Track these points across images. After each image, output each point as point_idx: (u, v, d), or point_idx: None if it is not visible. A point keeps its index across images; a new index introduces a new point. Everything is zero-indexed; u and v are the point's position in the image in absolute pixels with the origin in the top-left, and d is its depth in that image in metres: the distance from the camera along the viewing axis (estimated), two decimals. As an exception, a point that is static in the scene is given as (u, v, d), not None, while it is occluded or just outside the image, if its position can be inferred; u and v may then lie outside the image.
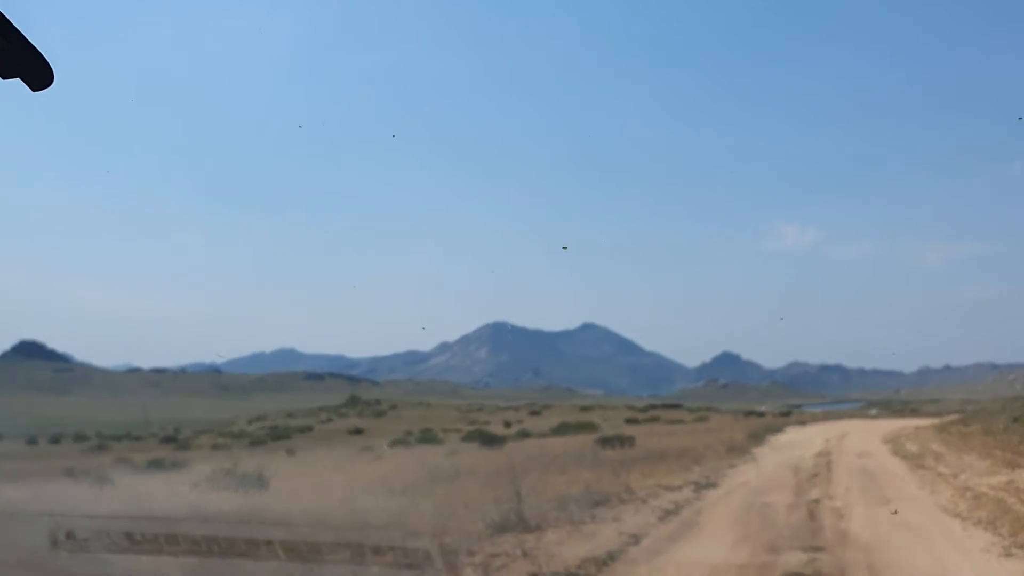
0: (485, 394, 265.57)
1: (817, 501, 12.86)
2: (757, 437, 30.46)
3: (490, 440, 33.83)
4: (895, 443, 26.71)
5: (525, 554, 8.49)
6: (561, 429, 43.15)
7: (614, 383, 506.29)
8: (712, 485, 14.96)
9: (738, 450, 24.02)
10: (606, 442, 26.70)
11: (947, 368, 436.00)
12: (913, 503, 12.24)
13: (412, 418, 74.28)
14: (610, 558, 8.31)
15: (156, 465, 23.69)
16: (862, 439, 29.99)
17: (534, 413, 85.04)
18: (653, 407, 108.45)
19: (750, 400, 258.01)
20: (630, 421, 58.18)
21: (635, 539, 9.40)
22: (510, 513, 10.10)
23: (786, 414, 67.30)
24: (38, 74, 1.68)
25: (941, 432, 32.05)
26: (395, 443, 35.71)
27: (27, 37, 1.61)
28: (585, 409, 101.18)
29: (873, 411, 76.97)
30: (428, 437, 39.94)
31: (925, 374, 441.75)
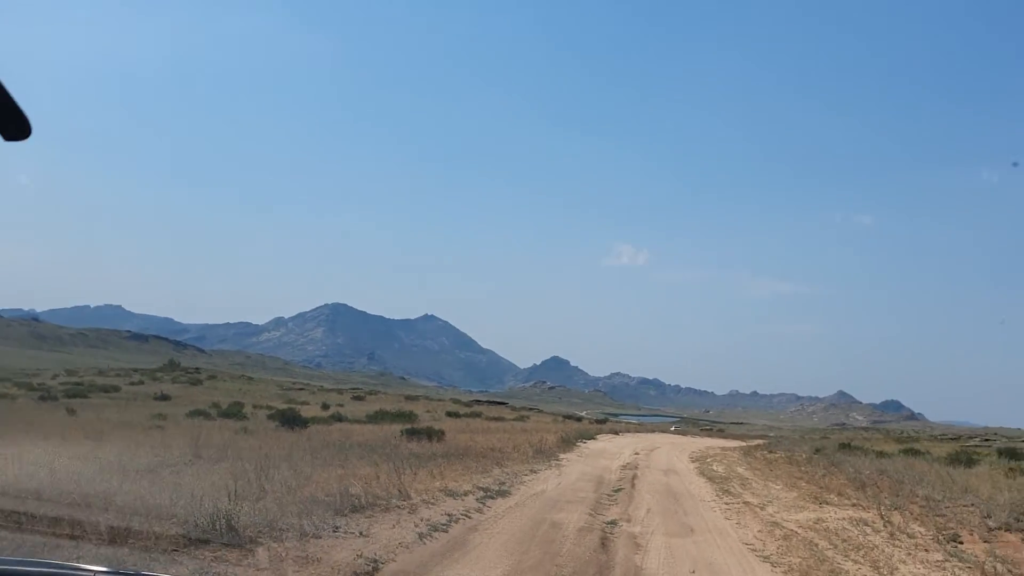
0: (315, 374, 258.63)
1: (614, 524, 11.08)
2: (568, 442, 29.21)
3: (291, 421, 30.90)
4: (702, 463, 26.15)
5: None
6: (377, 417, 41.15)
7: (448, 376, 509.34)
8: (504, 493, 12.90)
9: (545, 454, 22.43)
10: (413, 434, 24.56)
11: (754, 394, 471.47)
12: (718, 537, 10.69)
13: (228, 390, 70.41)
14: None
15: None
16: (670, 455, 29.44)
17: (357, 398, 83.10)
18: (478, 402, 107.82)
19: (573, 404, 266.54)
20: (451, 414, 56.98)
21: (372, 567, 7.03)
22: (219, 519, 7.46)
23: (602, 421, 67.88)
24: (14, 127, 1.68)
25: (747, 456, 32.20)
26: (194, 414, 32.34)
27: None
28: (411, 399, 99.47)
29: (672, 427, 79.75)
30: (232, 412, 36.57)
31: (734, 397, 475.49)
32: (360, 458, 15.59)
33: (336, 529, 8.41)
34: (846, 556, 9.43)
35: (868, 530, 11.49)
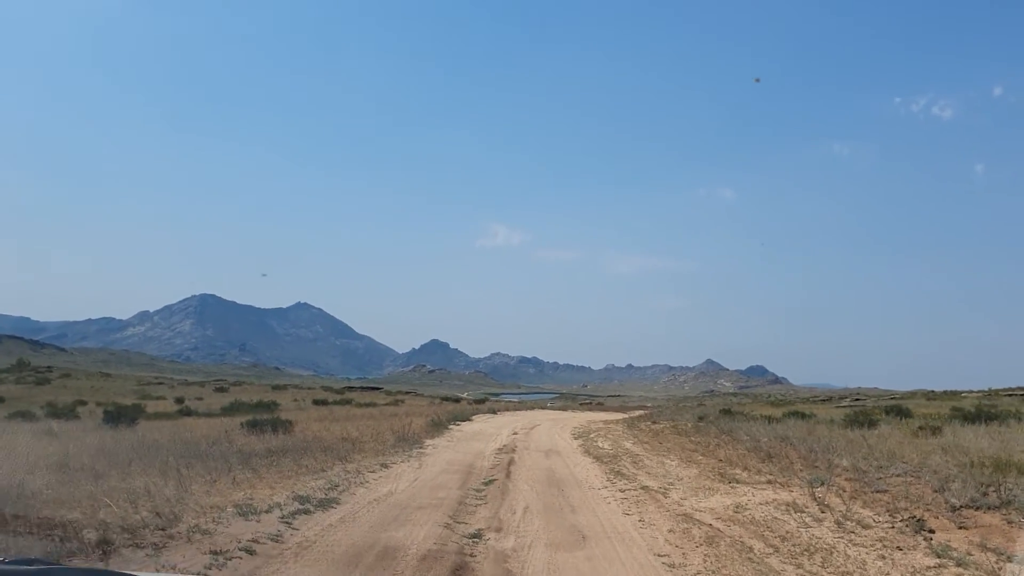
0: (184, 368, 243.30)
1: (478, 537, 7.92)
2: (439, 426, 26.00)
3: (117, 418, 26.39)
4: (586, 439, 23.58)
5: None
6: (231, 409, 37.04)
7: (325, 364, 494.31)
8: (329, 504, 9.43)
9: (408, 441, 19.10)
10: (256, 426, 20.82)
11: (629, 367, 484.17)
12: (620, 545, 7.72)
13: (79, 388, 65.36)
14: None
15: None
16: (551, 433, 26.79)
17: (220, 390, 77.67)
18: (351, 388, 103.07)
19: (454, 387, 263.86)
20: (319, 402, 53.57)
21: None
22: None
23: (481, 401, 65.19)
24: None
25: (631, 428, 30.05)
26: (15, 415, 27.40)
27: None
28: (279, 388, 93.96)
29: (548, 403, 78.45)
30: (64, 411, 31.73)
31: (610, 371, 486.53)
32: (179, 458, 11.84)
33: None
34: (799, 567, 6.67)
35: (807, 519, 8.87)
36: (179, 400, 49.19)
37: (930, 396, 61.75)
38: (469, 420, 31.91)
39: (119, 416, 26.52)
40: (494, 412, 41.43)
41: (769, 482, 12.06)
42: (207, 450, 14.05)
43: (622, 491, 11.45)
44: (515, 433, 25.16)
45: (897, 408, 30.86)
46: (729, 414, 34.89)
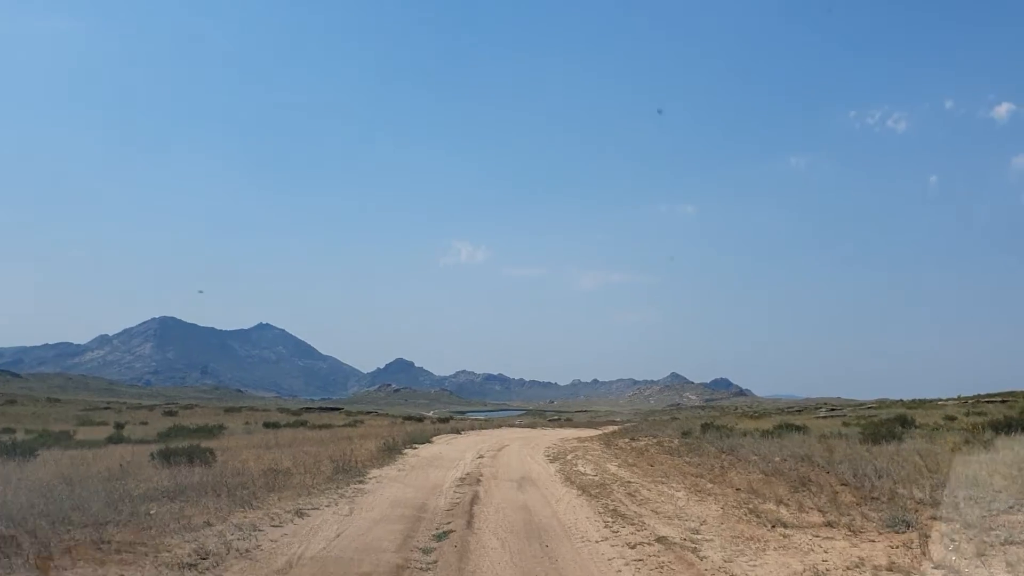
0: (144, 392, 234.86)
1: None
2: (392, 451, 22.39)
3: (13, 449, 22.58)
4: (563, 462, 20.18)
5: None
6: (169, 434, 33.12)
7: (288, 385, 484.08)
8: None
9: (349, 472, 15.54)
10: (170, 456, 17.25)
11: (595, 382, 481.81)
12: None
13: (18, 415, 60.87)
14: None
15: None
16: (522, 455, 23.34)
17: (169, 414, 72.98)
18: (308, 409, 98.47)
19: (419, 405, 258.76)
20: (269, 425, 49.66)
21: None
22: None
23: (445, 420, 61.39)
24: None
25: (610, 447, 26.74)
26: None
27: None
28: (231, 410, 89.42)
29: (516, 420, 74.82)
30: None
31: (576, 387, 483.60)
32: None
33: None
34: None
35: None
36: (118, 426, 44.99)
37: (910, 405, 59.65)
38: (429, 442, 28.28)
39: (15, 447, 22.77)
40: (458, 432, 37.79)
41: (828, 524, 8.79)
42: (76, 495, 10.47)
43: (632, 546, 8.03)
44: (480, 457, 21.66)
45: (902, 419, 27.85)
46: (713, 428, 31.86)
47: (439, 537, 8.61)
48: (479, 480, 15.13)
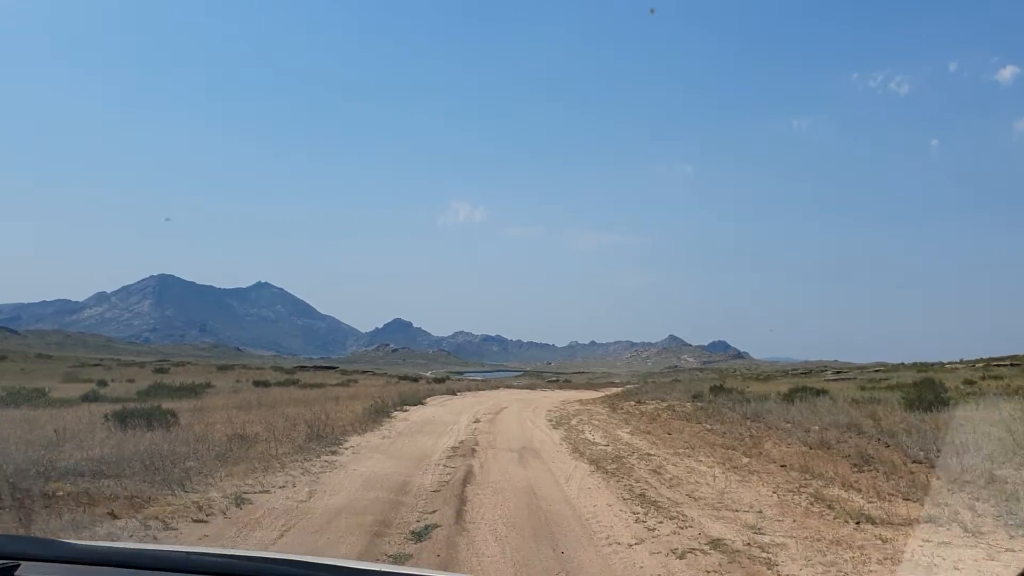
0: (143, 350, 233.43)
1: None
2: (380, 412, 20.35)
3: None
4: (568, 428, 18.13)
5: None
6: (150, 392, 31.47)
7: (287, 344, 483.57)
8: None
9: (327, 439, 13.48)
10: (125, 418, 15.32)
11: (593, 344, 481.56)
12: None
13: (3, 371, 59.81)
14: None
15: None
16: (522, 418, 21.32)
17: (160, 371, 71.49)
18: (303, 368, 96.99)
19: (417, 366, 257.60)
20: (259, 383, 48.27)
21: None
22: None
23: (441, 380, 59.53)
24: None
25: (615, 411, 24.77)
26: None
27: None
28: (225, 368, 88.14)
29: (513, 381, 73.03)
30: None
31: (574, 348, 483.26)
32: None
33: None
34: None
35: None
36: (101, 383, 43.06)
37: (920, 369, 57.74)
38: (421, 404, 26.24)
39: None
40: (453, 393, 35.80)
41: (929, 520, 6.68)
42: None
43: (680, 555, 5.87)
44: (476, 421, 19.59)
45: (930, 383, 25.70)
46: (722, 391, 29.90)
47: (418, 536, 6.46)
48: (474, 450, 13.03)
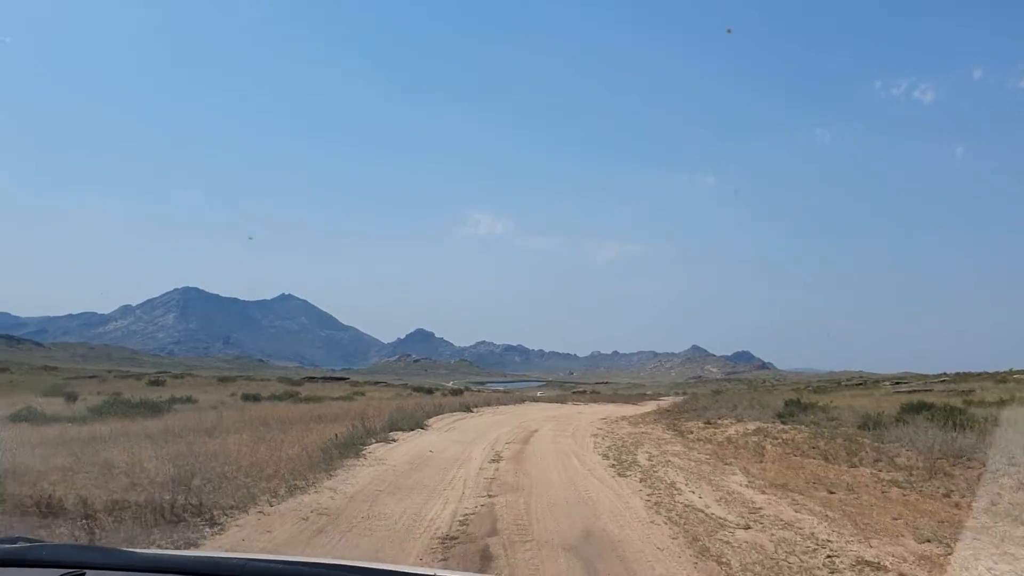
0: (166, 362, 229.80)
1: None
2: (350, 446, 13.76)
3: None
4: (642, 473, 11.47)
5: None
6: (104, 409, 25.87)
7: (310, 355, 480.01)
8: None
9: (203, 515, 6.98)
10: None
11: (615, 354, 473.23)
12: None
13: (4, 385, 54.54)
14: None
15: None
16: (564, 454, 14.65)
17: (155, 383, 66.03)
18: (311, 379, 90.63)
19: (439, 375, 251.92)
20: (248, 397, 41.97)
21: None
22: None
23: (457, 392, 52.89)
24: None
25: (685, 436, 18.19)
26: None
27: None
28: (224, 380, 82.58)
29: (538, 392, 66.94)
30: None
31: (596, 358, 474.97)
32: None
33: None
34: None
35: None
36: (71, 397, 37.26)
37: (1000, 379, 50.38)
38: (421, 428, 19.51)
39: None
40: (468, 409, 29.09)
41: None
42: None
43: None
44: (496, 460, 12.90)
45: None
46: (798, 405, 23.18)
47: None
48: (486, 551, 6.41)
